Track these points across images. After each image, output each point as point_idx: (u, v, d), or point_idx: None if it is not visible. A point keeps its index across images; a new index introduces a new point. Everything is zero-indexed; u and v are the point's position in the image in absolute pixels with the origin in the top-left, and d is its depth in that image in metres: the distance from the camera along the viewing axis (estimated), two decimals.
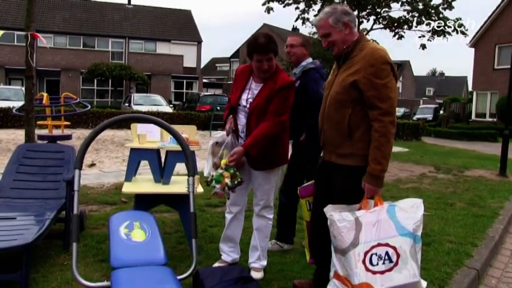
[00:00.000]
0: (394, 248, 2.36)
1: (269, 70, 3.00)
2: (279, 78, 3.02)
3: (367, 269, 2.35)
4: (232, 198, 3.22)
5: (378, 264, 2.35)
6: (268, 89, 3.00)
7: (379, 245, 2.37)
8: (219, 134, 3.16)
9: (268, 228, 3.24)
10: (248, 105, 3.06)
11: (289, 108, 3.04)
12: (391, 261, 2.35)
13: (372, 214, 2.43)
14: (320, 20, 2.61)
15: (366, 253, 2.36)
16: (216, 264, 3.25)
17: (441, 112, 32.32)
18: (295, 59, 3.79)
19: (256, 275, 3.15)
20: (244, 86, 3.11)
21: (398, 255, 2.35)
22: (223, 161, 2.94)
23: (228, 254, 3.31)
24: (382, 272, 2.34)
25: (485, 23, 25.71)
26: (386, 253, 2.35)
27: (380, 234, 2.38)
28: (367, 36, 18.81)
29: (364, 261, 2.36)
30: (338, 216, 2.46)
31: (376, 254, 2.36)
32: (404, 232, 2.38)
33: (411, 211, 2.45)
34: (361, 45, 2.57)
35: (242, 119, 3.10)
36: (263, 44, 2.93)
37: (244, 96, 3.09)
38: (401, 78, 61.73)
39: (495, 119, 24.24)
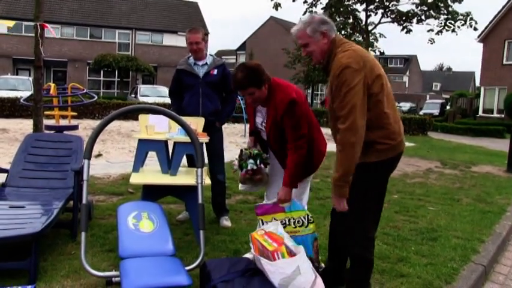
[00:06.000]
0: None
1: (255, 102, 2.89)
2: (277, 102, 2.82)
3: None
4: (268, 198, 3.24)
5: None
6: (271, 116, 2.88)
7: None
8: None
9: None
10: (264, 128, 3.04)
11: (303, 122, 2.83)
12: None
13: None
14: (298, 30, 2.54)
15: None
16: (247, 255, 3.25)
17: (448, 107, 32.13)
18: (201, 54, 4.00)
19: None
20: (255, 109, 3.10)
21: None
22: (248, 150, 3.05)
23: None
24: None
25: (494, 17, 25.40)
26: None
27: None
28: (375, 29, 18.68)
29: None
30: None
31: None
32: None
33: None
34: (333, 55, 2.48)
35: (265, 137, 3.11)
36: (238, 81, 2.79)
37: (258, 120, 3.09)
38: (408, 73, 61.35)
39: (503, 115, 24.04)
